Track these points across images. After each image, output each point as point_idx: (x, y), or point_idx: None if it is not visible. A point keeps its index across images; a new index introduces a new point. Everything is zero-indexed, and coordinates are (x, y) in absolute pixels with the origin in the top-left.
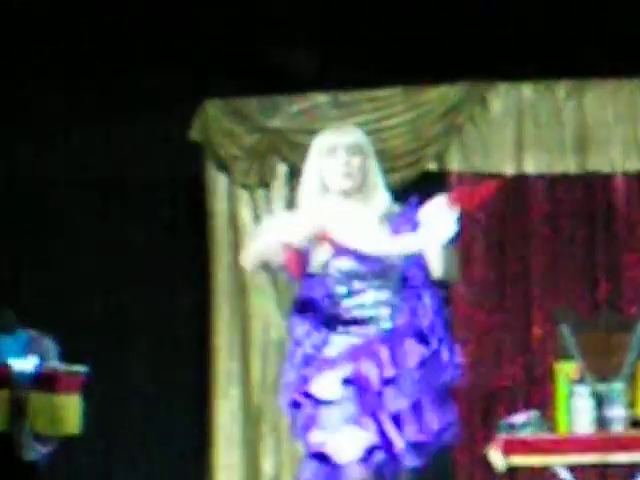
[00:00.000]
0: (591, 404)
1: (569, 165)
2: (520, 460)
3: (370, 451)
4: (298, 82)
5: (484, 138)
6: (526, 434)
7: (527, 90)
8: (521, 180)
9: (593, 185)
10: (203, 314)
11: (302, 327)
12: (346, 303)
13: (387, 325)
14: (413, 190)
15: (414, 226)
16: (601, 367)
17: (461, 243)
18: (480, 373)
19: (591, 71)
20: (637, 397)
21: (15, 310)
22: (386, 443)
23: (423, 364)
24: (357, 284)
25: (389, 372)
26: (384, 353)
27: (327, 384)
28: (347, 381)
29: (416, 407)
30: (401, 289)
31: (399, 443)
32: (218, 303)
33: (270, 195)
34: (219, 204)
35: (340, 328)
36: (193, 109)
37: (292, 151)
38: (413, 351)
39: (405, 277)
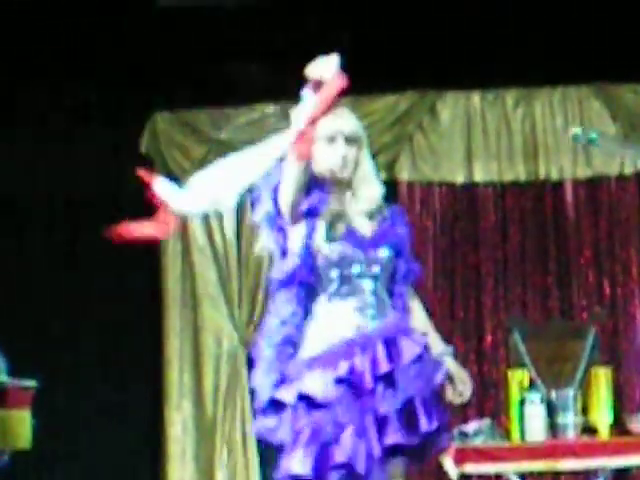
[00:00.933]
0: (543, 411)
1: (519, 173)
2: (473, 468)
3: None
4: (247, 94)
5: (434, 147)
6: (478, 442)
7: (476, 99)
8: (471, 188)
9: (543, 192)
10: (154, 326)
11: (287, 305)
12: (335, 286)
13: (375, 317)
14: None
15: (394, 234)
16: (553, 374)
17: (415, 250)
18: None
19: (540, 79)
20: (589, 404)
21: None
22: (367, 448)
23: (417, 361)
24: (348, 270)
25: (384, 367)
26: (379, 348)
27: (321, 383)
28: (341, 380)
29: (408, 406)
30: (390, 283)
31: (377, 450)
32: (169, 315)
33: None
34: None
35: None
36: (143, 122)
37: None
38: (407, 347)
39: (396, 272)
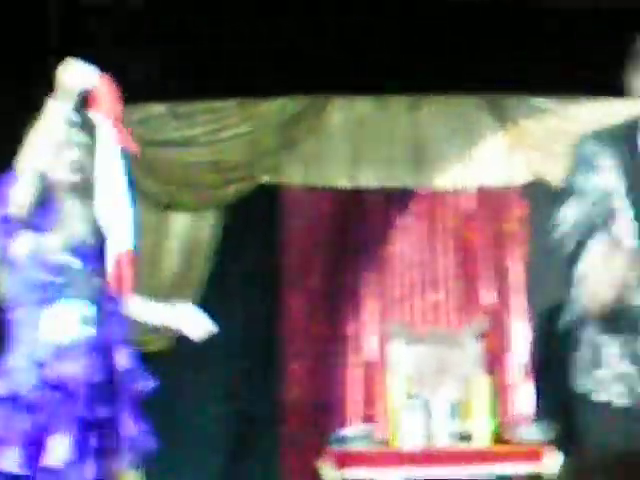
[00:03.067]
0: (422, 418)
1: (405, 180)
2: (352, 473)
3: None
4: (136, 93)
5: (320, 152)
6: (357, 447)
7: (364, 105)
8: (357, 194)
9: (428, 200)
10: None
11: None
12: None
13: (86, 332)
14: (247, 203)
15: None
16: (433, 381)
17: (300, 254)
18: (314, 385)
19: (428, 87)
20: (467, 411)
21: None
22: (82, 453)
23: (127, 372)
24: (66, 278)
25: (94, 377)
26: (90, 358)
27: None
28: (47, 384)
29: (115, 415)
30: (100, 298)
31: (85, 453)
32: None
33: None
34: None
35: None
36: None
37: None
38: (119, 358)
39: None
